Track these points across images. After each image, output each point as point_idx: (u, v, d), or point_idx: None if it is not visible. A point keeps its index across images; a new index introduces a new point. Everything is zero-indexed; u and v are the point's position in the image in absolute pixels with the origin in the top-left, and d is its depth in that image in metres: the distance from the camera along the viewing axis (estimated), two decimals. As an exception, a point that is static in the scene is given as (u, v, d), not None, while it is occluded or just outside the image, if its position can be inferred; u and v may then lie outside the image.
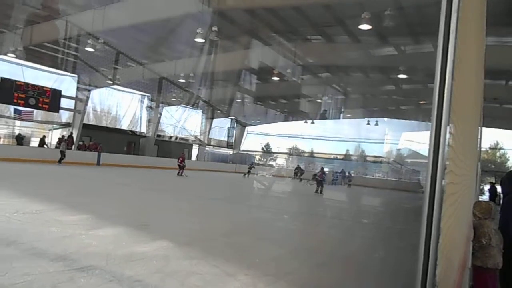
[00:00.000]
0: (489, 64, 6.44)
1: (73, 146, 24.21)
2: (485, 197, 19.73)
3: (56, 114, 25.11)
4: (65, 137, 23.92)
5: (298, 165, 33.93)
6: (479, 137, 6.42)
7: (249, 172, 28.76)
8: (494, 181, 20.28)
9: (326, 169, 31.18)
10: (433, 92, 0.84)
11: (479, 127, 6.48)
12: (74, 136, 25.04)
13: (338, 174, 31.66)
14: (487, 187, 22.70)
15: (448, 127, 0.83)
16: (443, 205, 0.91)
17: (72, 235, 5.36)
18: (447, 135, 0.83)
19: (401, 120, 33.12)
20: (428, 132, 0.87)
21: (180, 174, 21.59)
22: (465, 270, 2.63)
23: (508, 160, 37.36)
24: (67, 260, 4.24)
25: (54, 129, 26.40)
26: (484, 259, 3.55)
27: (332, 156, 40.64)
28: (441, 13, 0.87)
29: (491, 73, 16.23)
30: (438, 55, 0.84)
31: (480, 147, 8.12)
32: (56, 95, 23.42)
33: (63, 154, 20.26)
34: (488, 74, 10.43)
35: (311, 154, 41.95)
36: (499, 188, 12.86)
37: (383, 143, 36.63)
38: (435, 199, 0.80)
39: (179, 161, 22.22)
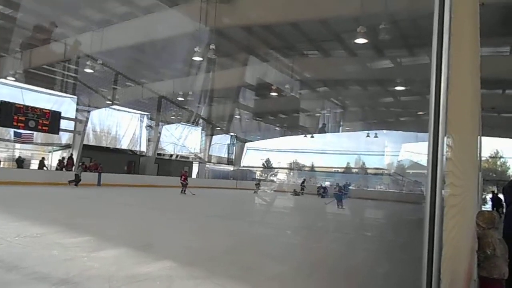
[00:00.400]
0: (486, 74, 6.50)
1: (73, 167, 24.18)
2: (488, 206, 19.62)
3: (56, 135, 25.18)
4: (79, 162, 24.03)
5: (304, 179, 34.22)
6: (478, 146, 6.44)
7: (258, 188, 28.89)
8: (496, 190, 20.20)
9: (327, 183, 31.12)
10: (429, 105, 0.86)
11: (478, 137, 6.50)
12: (74, 157, 25.04)
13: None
14: (489, 196, 22.60)
15: (445, 139, 0.84)
16: (444, 217, 0.92)
17: (74, 258, 5.32)
18: (445, 147, 0.84)
19: (401, 131, 33.20)
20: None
21: (183, 192, 21.55)
22: (471, 281, 2.61)
23: (509, 168, 37.31)
24: (69, 284, 4.20)
25: (54, 150, 26.43)
26: (489, 269, 3.52)
27: (333, 170, 40.57)
28: (433, 28, 0.90)
29: (487, 83, 16.35)
30: (432, 68, 0.86)
31: (480, 157, 8.14)
32: (55, 117, 23.51)
33: (77, 177, 20.94)
34: (485, 84, 10.51)
35: (312, 168, 41.90)
36: (501, 197, 12.82)
37: (383, 155, 36.63)
38: (435, 213, 0.81)
39: (182, 179, 22.24)
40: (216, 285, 4.58)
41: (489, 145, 32.66)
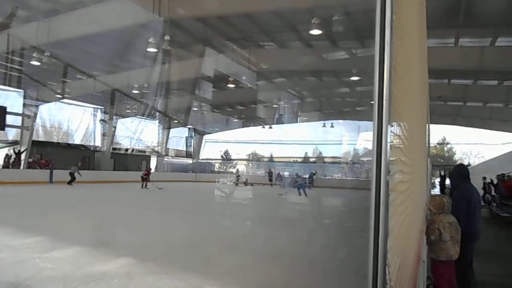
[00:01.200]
0: (432, 65, 6.81)
1: (21, 164, 22.99)
2: (437, 190, 20.69)
3: (1, 132, 23.77)
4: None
5: (270, 170, 34.58)
6: (427, 134, 6.76)
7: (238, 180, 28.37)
8: (444, 174, 21.33)
9: (286, 173, 31.59)
10: (373, 94, 0.89)
11: (427, 124, 6.82)
12: (23, 154, 23.78)
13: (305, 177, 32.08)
14: (438, 181, 23.83)
15: (389, 128, 0.87)
16: (393, 203, 0.96)
17: (25, 260, 5.08)
18: (389, 136, 0.87)
19: (356, 121, 34.23)
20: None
21: (144, 186, 21.30)
22: (420, 263, 2.75)
23: (455, 154, 39.59)
24: (21, 287, 4.01)
25: (0, 148, 24.96)
26: (436, 252, 3.73)
27: (291, 160, 41.23)
28: (376, 19, 0.92)
29: (434, 73, 17.16)
30: (375, 59, 0.89)
31: (428, 143, 8.56)
32: (0, 112, 22.16)
33: (72, 176, 21.23)
34: (432, 74, 11.02)
35: (271, 159, 42.36)
36: (448, 181, 13.54)
37: (340, 144, 37.63)
38: (380, 201, 0.84)
39: (145, 173, 22.44)
40: (177, 280, 4.55)
41: (437, 132, 34.50)
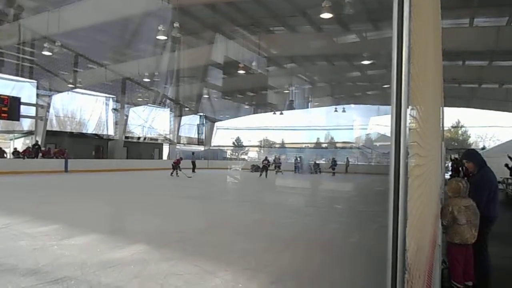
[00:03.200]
0: (447, 46, 6.65)
1: (39, 154, 23.38)
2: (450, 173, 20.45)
3: (16, 122, 24.15)
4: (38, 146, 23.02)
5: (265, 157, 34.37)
6: (441, 117, 6.65)
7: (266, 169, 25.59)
8: (457, 157, 21.06)
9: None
10: (391, 76, 0.86)
11: (441, 107, 6.71)
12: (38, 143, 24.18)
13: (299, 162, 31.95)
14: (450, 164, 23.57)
15: (408, 110, 0.84)
16: (410, 188, 0.93)
17: (43, 247, 5.18)
18: (408, 118, 0.84)
19: (368, 105, 33.87)
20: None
21: (175, 175, 22.10)
22: (436, 246, 2.73)
23: (469, 137, 39.00)
24: (39, 274, 4.10)
25: (16, 138, 25.38)
26: (451, 235, 3.72)
27: (303, 146, 41.09)
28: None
29: (449, 55, 16.82)
30: (393, 39, 0.86)
31: (443, 127, 8.43)
32: (15, 102, 22.48)
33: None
34: (446, 56, 10.79)
35: (282, 145, 42.28)
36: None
37: (352, 129, 37.34)
38: (400, 184, 0.82)
39: (175, 161, 23.12)
40: (190, 265, 4.60)
41: (451, 115, 33.99)
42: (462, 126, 38.64)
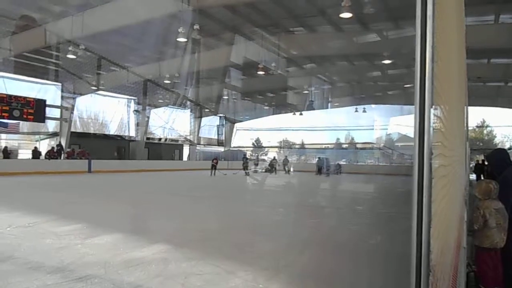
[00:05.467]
0: (471, 44, 6.50)
1: (62, 155, 24.00)
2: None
3: (42, 124, 24.82)
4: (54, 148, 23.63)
5: (274, 157, 34.58)
6: (465, 116, 6.50)
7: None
8: (483, 159, 20.53)
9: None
10: (415, 75, 0.84)
11: (465, 107, 6.55)
12: (63, 144, 24.82)
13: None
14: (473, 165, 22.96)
15: (432, 110, 0.83)
16: (434, 188, 0.92)
17: (68, 246, 5.31)
18: (432, 118, 0.83)
19: (388, 105, 33.39)
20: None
21: (213, 174, 23.77)
22: (460, 249, 2.67)
23: (495, 137, 37.93)
24: (64, 271, 4.20)
25: (42, 139, 26.09)
26: (480, 239, 3.61)
27: (323, 146, 40.80)
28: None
29: (473, 53, 16.41)
30: (416, 37, 0.85)
31: (467, 127, 8.23)
32: (40, 105, 23.12)
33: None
34: (470, 54, 10.54)
35: (302, 145, 42.08)
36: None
37: (372, 129, 36.86)
38: (424, 184, 0.80)
39: (214, 162, 25.11)
40: (211, 265, 4.63)
41: (476, 115, 33.13)
42: (487, 126, 37.61)
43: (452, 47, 2.17)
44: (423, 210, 0.79)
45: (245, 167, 27.49)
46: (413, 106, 0.86)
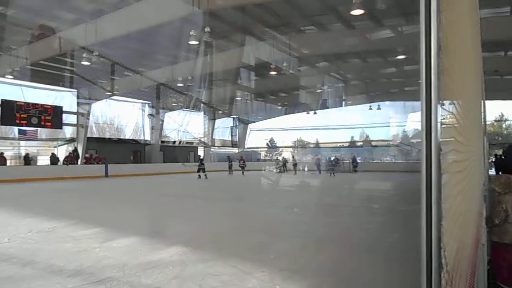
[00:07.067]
0: (486, 37, 6.37)
1: (79, 160, 24.40)
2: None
3: (59, 130, 25.29)
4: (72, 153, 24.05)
5: (283, 157, 34.76)
6: (482, 111, 6.37)
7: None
8: (501, 154, 20.08)
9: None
10: (420, 71, 0.83)
11: (482, 101, 6.43)
12: (80, 150, 25.23)
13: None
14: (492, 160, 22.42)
15: (438, 107, 0.81)
16: (446, 186, 0.90)
17: (87, 249, 5.40)
18: (439, 114, 0.81)
19: (405, 101, 32.95)
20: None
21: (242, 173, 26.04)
22: (479, 246, 2.61)
23: (514, 130, 37.06)
24: (84, 275, 4.27)
25: (59, 145, 26.58)
26: (500, 235, 3.52)
27: (338, 145, 40.49)
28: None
29: (489, 46, 16.08)
30: (421, 34, 0.83)
31: (485, 121, 8.07)
32: (57, 111, 23.57)
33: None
34: (486, 47, 10.33)
35: (317, 144, 41.84)
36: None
37: (388, 126, 36.41)
38: (432, 182, 0.79)
39: (241, 163, 27.46)
40: (227, 266, 4.64)
41: (493, 109, 32.44)
42: (506, 120, 36.77)
43: (466, 40, 2.14)
44: (432, 208, 0.77)
45: (229, 167, 28.22)
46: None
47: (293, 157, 34.43)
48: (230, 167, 27.71)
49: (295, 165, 30.76)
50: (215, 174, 25.45)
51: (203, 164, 23.49)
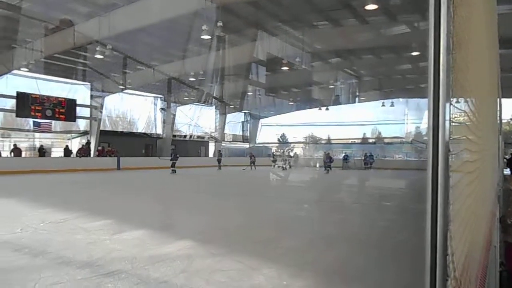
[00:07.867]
0: (504, 33, 6.21)
1: (92, 153, 24.71)
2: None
3: (73, 123, 25.60)
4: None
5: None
6: (498, 109, 6.24)
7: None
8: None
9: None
10: (428, 68, 0.80)
11: (498, 99, 6.29)
12: (93, 143, 25.54)
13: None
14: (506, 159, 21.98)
15: (446, 105, 0.78)
16: (456, 187, 0.87)
17: (97, 241, 5.45)
18: (447, 112, 0.78)
19: (419, 98, 32.46)
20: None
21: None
22: (491, 247, 2.55)
23: (533, 129, 36.29)
24: (93, 266, 4.31)
25: (73, 138, 26.92)
26: (515, 235, 3.45)
27: (350, 141, 40.20)
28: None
29: (507, 42, 15.71)
30: (430, 26, 0.80)
31: (500, 119, 7.91)
32: (71, 104, 23.85)
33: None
34: (504, 44, 10.10)
35: (329, 140, 41.57)
36: None
37: (402, 124, 35.96)
38: (438, 184, 0.76)
39: (252, 158, 28.85)
40: (235, 261, 4.64)
41: (510, 107, 31.74)
42: (523, 118, 36.00)
43: (480, 37, 2.08)
44: (438, 212, 0.74)
45: (219, 161, 28.64)
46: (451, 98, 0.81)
47: (295, 153, 34.36)
48: (253, 163, 29.07)
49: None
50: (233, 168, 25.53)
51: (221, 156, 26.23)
